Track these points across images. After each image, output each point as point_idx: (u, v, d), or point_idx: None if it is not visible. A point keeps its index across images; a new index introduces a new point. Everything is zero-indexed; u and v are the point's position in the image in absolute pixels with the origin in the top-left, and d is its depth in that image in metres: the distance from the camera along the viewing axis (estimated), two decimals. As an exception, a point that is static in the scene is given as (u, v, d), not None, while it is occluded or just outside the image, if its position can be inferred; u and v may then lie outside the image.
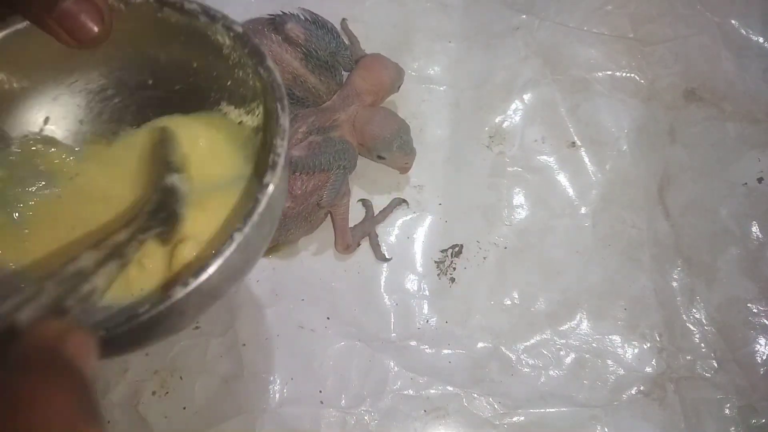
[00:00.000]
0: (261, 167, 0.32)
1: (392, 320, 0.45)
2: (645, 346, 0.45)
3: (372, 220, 0.47)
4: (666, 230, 0.47)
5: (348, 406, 0.43)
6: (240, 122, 0.35)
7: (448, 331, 0.45)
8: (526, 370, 0.44)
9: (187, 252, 0.31)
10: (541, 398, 0.43)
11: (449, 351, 0.44)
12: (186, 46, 0.33)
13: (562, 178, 0.49)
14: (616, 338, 0.45)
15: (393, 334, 0.45)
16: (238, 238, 0.26)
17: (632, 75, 0.51)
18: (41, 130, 0.34)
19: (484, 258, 0.47)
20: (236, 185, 0.33)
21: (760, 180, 0.48)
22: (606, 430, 0.43)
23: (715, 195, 0.48)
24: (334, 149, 0.43)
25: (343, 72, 0.48)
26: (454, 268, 0.46)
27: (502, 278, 0.46)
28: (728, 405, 0.43)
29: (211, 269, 0.26)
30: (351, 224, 0.46)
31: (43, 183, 0.34)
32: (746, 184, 0.48)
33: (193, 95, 0.35)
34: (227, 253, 0.26)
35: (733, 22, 0.51)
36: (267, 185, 0.28)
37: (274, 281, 0.46)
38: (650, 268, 0.46)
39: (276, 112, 0.30)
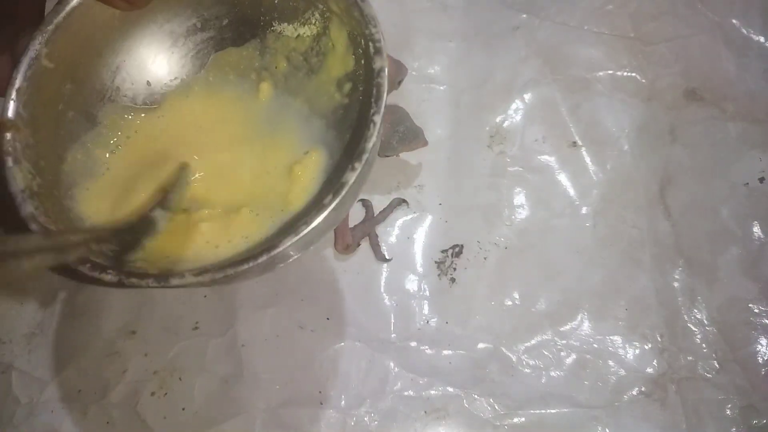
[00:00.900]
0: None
1: (392, 320, 0.45)
2: (646, 347, 0.44)
3: (372, 220, 0.46)
4: (667, 230, 0.47)
5: (348, 407, 0.43)
6: (297, 36, 0.36)
7: (448, 332, 0.45)
8: (526, 370, 0.44)
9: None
10: (542, 399, 0.43)
11: (449, 351, 0.44)
12: None
13: (563, 178, 0.48)
14: (617, 339, 0.45)
15: (393, 335, 0.45)
16: (378, 119, 0.29)
17: (633, 74, 0.51)
18: (116, 101, 0.36)
19: (485, 258, 0.47)
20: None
21: (761, 180, 0.48)
22: (607, 430, 0.43)
23: (716, 195, 0.48)
24: None
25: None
26: (455, 269, 0.46)
27: (502, 278, 0.46)
28: (729, 405, 0.43)
29: (369, 149, 0.29)
30: (351, 224, 0.46)
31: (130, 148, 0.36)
32: (747, 184, 0.48)
33: (244, 25, 0.36)
34: (372, 135, 0.29)
35: (733, 21, 0.51)
36: (381, 69, 0.30)
37: (274, 281, 0.46)
38: (651, 268, 0.46)
39: (356, 3, 0.32)
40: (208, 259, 0.31)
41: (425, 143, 0.46)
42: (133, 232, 0.30)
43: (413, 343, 0.44)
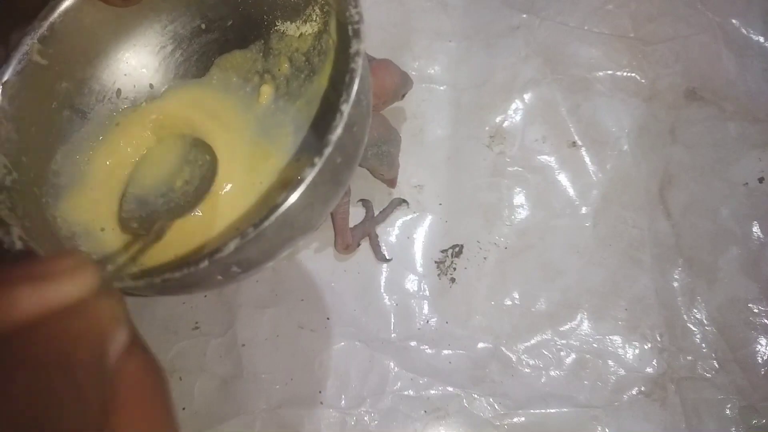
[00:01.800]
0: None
1: (392, 320, 0.45)
2: (646, 347, 0.44)
3: (372, 220, 0.46)
4: (667, 230, 0.47)
5: (348, 407, 0.43)
6: (300, 35, 0.36)
7: (448, 332, 0.45)
8: (526, 370, 0.44)
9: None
10: (542, 399, 0.43)
11: (449, 351, 0.44)
12: None
13: (563, 178, 0.48)
14: (617, 338, 0.45)
15: (393, 335, 0.45)
16: (346, 109, 0.26)
17: (633, 74, 0.51)
18: (116, 103, 0.36)
19: (485, 258, 0.47)
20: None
21: (761, 180, 0.48)
22: (607, 430, 0.43)
23: (716, 195, 0.48)
24: None
25: None
26: (455, 269, 0.46)
27: (502, 278, 0.46)
28: (729, 405, 0.43)
29: (332, 144, 0.26)
30: (351, 224, 0.46)
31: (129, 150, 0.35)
32: (747, 184, 0.48)
33: (247, 26, 0.36)
34: (338, 126, 0.26)
35: (733, 21, 0.51)
36: (357, 53, 0.28)
37: (274, 281, 0.46)
38: (651, 268, 0.46)
39: None
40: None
41: (393, 183, 0.46)
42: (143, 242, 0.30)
43: (413, 343, 0.44)
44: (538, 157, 0.49)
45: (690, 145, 0.49)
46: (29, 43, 0.31)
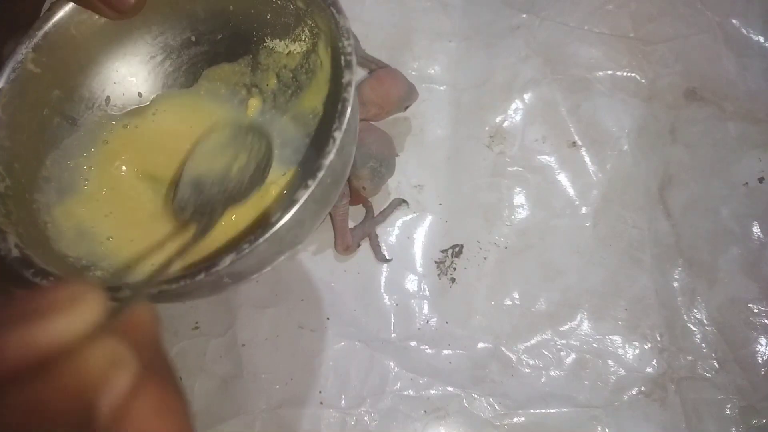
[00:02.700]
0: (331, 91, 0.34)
1: (392, 320, 0.45)
2: (646, 347, 0.44)
3: (372, 220, 0.46)
4: (667, 230, 0.47)
5: (348, 407, 0.43)
6: (288, 52, 0.36)
7: (448, 332, 0.45)
8: (526, 370, 0.44)
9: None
10: (542, 399, 0.43)
11: (449, 351, 0.44)
12: None
13: (563, 178, 0.48)
14: (617, 338, 0.45)
15: (393, 335, 0.45)
16: (338, 136, 0.28)
17: (633, 74, 0.51)
18: (105, 110, 0.36)
19: (485, 258, 0.47)
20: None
21: (761, 180, 0.48)
22: (607, 430, 0.43)
23: (716, 195, 0.48)
24: None
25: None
26: (455, 269, 0.46)
27: (502, 278, 0.46)
28: (729, 405, 0.43)
29: (324, 167, 0.27)
30: (351, 225, 0.46)
31: (117, 162, 0.36)
32: (747, 183, 0.48)
33: (237, 40, 0.37)
34: (331, 152, 0.28)
35: (733, 21, 0.51)
36: (349, 83, 0.29)
37: (274, 281, 0.46)
38: (651, 268, 0.46)
39: (333, 16, 0.31)
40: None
41: (365, 201, 0.46)
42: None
43: (413, 343, 0.44)
44: (538, 157, 0.49)
45: (690, 145, 0.49)
46: (24, 52, 0.31)
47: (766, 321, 0.45)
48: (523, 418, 0.43)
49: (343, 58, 0.30)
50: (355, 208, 0.47)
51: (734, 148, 0.49)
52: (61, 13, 0.31)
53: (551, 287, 0.46)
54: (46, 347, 0.14)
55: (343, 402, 0.43)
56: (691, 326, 0.45)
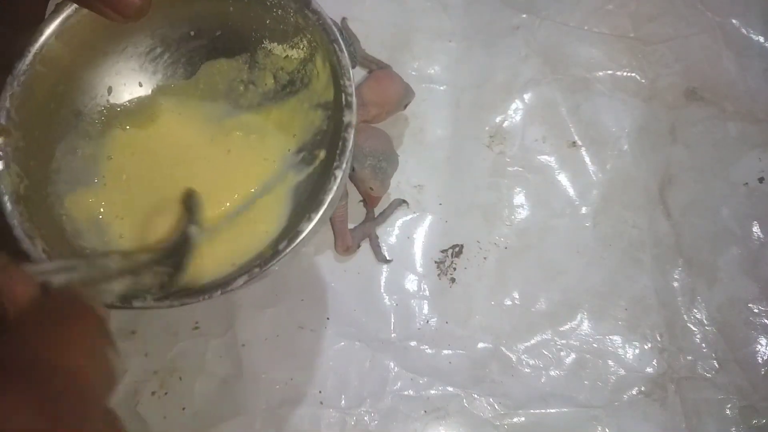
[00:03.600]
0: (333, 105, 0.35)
1: (392, 320, 0.45)
2: (646, 347, 0.44)
3: (372, 221, 0.46)
4: (667, 230, 0.47)
5: (348, 407, 0.43)
6: (286, 56, 0.37)
7: (448, 332, 0.45)
8: (526, 370, 0.44)
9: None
10: (542, 399, 0.43)
11: (449, 351, 0.44)
12: None
13: (563, 178, 0.48)
14: (617, 338, 0.45)
15: (393, 335, 0.45)
16: (339, 174, 0.31)
17: (633, 74, 0.51)
18: (107, 100, 0.37)
19: (485, 258, 0.47)
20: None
21: (761, 180, 0.48)
22: (607, 430, 0.43)
23: (716, 195, 0.48)
24: None
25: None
26: (455, 269, 0.46)
27: (502, 278, 0.46)
28: (729, 405, 0.43)
29: (326, 202, 0.31)
30: (351, 225, 0.46)
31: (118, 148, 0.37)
32: (747, 184, 0.48)
33: (235, 38, 0.38)
34: (332, 189, 0.31)
35: (733, 21, 0.51)
36: (349, 124, 0.31)
37: (274, 281, 0.46)
38: (651, 268, 0.46)
39: (335, 53, 0.33)
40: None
41: (375, 202, 0.46)
42: (177, 251, 0.32)
43: (413, 343, 0.44)
44: (538, 157, 0.49)
45: (690, 145, 0.49)
46: (32, 54, 0.32)
47: (766, 321, 0.45)
48: (523, 418, 0.43)
49: (344, 97, 0.32)
50: (355, 209, 0.47)
51: (734, 148, 0.49)
52: (65, 14, 0.32)
53: (551, 287, 0.46)
54: None
55: (343, 402, 0.43)
56: (691, 326, 0.45)
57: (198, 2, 0.36)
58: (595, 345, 0.45)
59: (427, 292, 0.46)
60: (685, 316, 0.45)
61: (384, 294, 0.45)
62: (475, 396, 0.43)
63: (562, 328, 0.45)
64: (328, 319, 0.45)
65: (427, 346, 0.44)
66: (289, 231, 0.32)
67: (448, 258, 0.46)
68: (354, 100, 0.32)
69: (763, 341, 0.44)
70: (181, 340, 0.44)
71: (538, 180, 0.48)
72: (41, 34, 0.32)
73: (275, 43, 0.37)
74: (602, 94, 0.50)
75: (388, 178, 0.44)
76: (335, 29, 0.33)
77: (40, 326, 0.20)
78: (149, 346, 0.44)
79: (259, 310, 0.45)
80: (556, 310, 0.45)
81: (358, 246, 0.46)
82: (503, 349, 0.44)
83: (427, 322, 0.45)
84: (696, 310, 0.45)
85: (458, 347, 0.44)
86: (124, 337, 0.44)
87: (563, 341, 0.45)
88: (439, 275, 0.46)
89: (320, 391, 0.43)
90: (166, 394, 0.43)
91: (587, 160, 0.49)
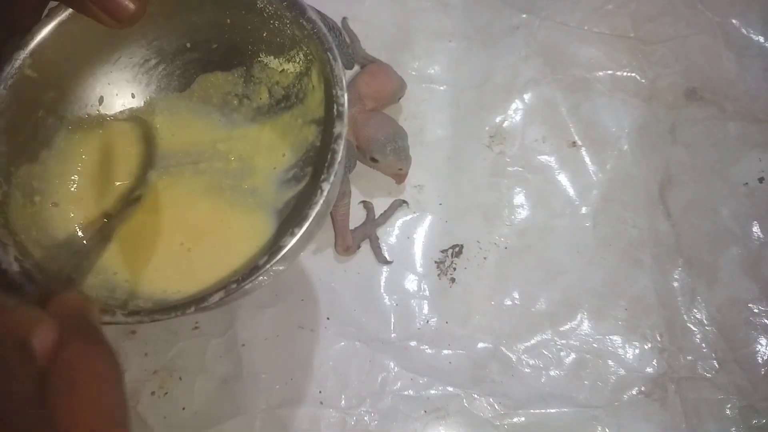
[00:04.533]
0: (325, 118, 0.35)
1: (392, 320, 0.45)
2: (646, 347, 0.44)
3: (373, 222, 0.46)
4: (667, 230, 0.47)
5: (348, 407, 0.43)
6: (282, 70, 0.37)
7: (448, 332, 0.45)
8: (526, 370, 0.44)
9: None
10: (542, 399, 0.43)
11: (449, 351, 0.44)
12: (218, 6, 0.34)
13: (563, 178, 0.48)
14: (617, 338, 0.45)
15: (393, 335, 0.45)
16: (326, 187, 0.30)
17: (633, 74, 0.51)
18: (98, 110, 0.36)
19: (485, 258, 0.47)
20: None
21: (761, 180, 0.48)
22: (607, 430, 0.43)
23: (716, 195, 0.48)
24: None
25: (345, 71, 0.48)
26: (455, 269, 0.46)
27: (502, 278, 0.46)
28: (729, 405, 0.43)
29: (311, 217, 0.29)
30: (352, 226, 0.46)
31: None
32: (747, 184, 0.48)
33: (231, 51, 0.37)
34: (318, 202, 0.30)
35: (733, 21, 0.51)
36: (339, 135, 0.30)
37: (274, 281, 0.46)
38: (651, 268, 0.46)
39: (329, 62, 0.32)
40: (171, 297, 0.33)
41: (404, 177, 0.46)
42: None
43: (413, 343, 0.44)
44: (538, 157, 0.49)
45: (690, 145, 0.49)
46: (21, 57, 0.31)
47: (766, 321, 0.45)
48: (523, 418, 0.43)
49: (335, 107, 0.31)
50: (355, 209, 0.47)
51: (734, 148, 0.49)
52: (59, 19, 0.32)
53: (551, 287, 0.46)
54: None
55: (343, 402, 0.43)
56: (691, 326, 0.45)
57: (195, 14, 0.35)
58: (595, 345, 0.45)
59: (427, 292, 0.46)
60: (685, 316, 0.45)
61: (384, 294, 0.45)
62: (475, 396, 0.43)
63: (562, 328, 0.45)
64: (328, 319, 0.45)
65: (427, 346, 0.44)
66: (271, 246, 0.31)
67: (448, 258, 0.47)
68: (345, 111, 0.31)
69: (763, 341, 0.44)
70: (181, 340, 0.44)
71: (538, 180, 0.48)
72: (33, 38, 0.31)
73: (272, 57, 0.36)
74: (602, 94, 0.50)
75: (408, 151, 0.45)
76: (330, 38, 0.32)
77: (70, 382, 0.19)
78: (149, 346, 0.44)
79: (259, 310, 0.45)
80: (556, 310, 0.45)
81: (359, 247, 0.46)
82: (503, 349, 0.44)
83: (427, 322, 0.45)
84: (696, 310, 0.45)
85: (458, 347, 0.44)
86: (125, 336, 0.44)
87: (563, 341, 0.45)
88: (439, 275, 0.46)
89: (320, 391, 0.43)
90: (166, 394, 0.43)
91: (587, 160, 0.49)
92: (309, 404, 0.43)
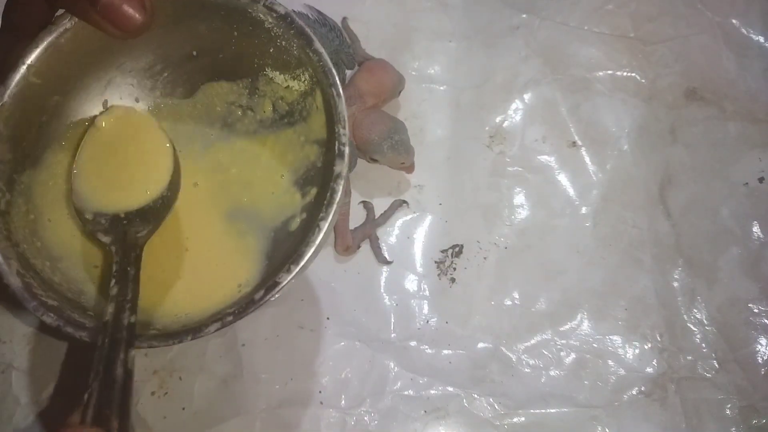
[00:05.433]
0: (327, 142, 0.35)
1: (392, 320, 0.45)
2: (646, 347, 0.44)
3: (373, 222, 0.46)
4: (667, 230, 0.47)
5: (348, 407, 0.43)
6: (287, 86, 0.36)
7: (448, 332, 0.45)
8: (526, 370, 0.44)
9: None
10: (542, 399, 0.43)
11: (449, 351, 0.44)
12: (226, 19, 0.34)
13: (563, 178, 0.48)
14: (617, 338, 0.45)
15: (393, 335, 0.45)
16: (324, 226, 0.30)
17: (633, 74, 0.51)
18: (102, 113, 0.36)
19: (485, 258, 0.47)
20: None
21: (761, 180, 0.48)
22: (607, 430, 0.43)
23: (716, 195, 0.48)
24: None
25: (345, 70, 0.48)
26: (455, 269, 0.46)
27: (502, 278, 0.46)
28: (729, 405, 0.43)
29: (308, 255, 0.30)
30: (352, 226, 0.46)
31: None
32: (747, 183, 0.48)
33: (238, 62, 0.37)
34: (315, 241, 0.30)
35: (733, 21, 0.51)
36: (339, 175, 0.31)
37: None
38: (651, 268, 0.46)
39: (333, 98, 0.32)
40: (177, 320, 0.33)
41: (412, 168, 0.46)
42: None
43: (413, 343, 0.44)
44: (538, 157, 0.49)
45: (690, 145, 0.49)
46: (26, 65, 0.31)
47: (766, 321, 0.45)
48: (523, 418, 0.43)
49: (337, 146, 0.31)
50: (355, 209, 0.47)
51: (734, 148, 0.49)
52: (64, 26, 0.31)
53: (551, 287, 0.46)
54: None
55: (343, 402, 0.43)
56: (691, 326, 0.45)
57: (203, 23, 0.34)
58: (595, 345, 0.45)
59: (427, 292, 0.46)
60: (685, 316, 0.45)
61: (384, 294, 0.45)
62: (475, 396, 0.43)
63: (562, 328, 0.45)
64: (328, 319, 0.45)
65: (427, 346, 0.44)
66: (267, 279, 0.31)
67: (448, 258, 0.47)
68: (347, 150, 0.31)
69: (763, 341, 0.44)
70: (181, 340, 0.44)
71: (538, 180, 0.48)
72: (37, 45, 0.31)
73: (277, 72, 0.36)
74: (602, 94, 0.50)
75: (408, 143, 0.45)
76: (335, 73, 0.32)
77: None
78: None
79: (259, 310, 0.45)
80: (556, 310, 0.45)
81: (359, 246, 0.46)
82: (503, 349, 0.44)
83: (427, 322, 0.45)
84: (696, 310, 0.45)
85: (458, 347, 0.44)
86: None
87: (563, 341, 0.45)
88: (439, 275, 0.46)
89: (320, 391, 0.43)
90: (166, 394, 0.43)
91: (587, 160, 0.49)
92: (309, 404, 0.43)
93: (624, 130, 0.49)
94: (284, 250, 0.34)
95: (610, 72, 0.51)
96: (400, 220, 0.47)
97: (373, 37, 0.51)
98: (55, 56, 0.32)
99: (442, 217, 0.47)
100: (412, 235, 0.47)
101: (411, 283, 0.46)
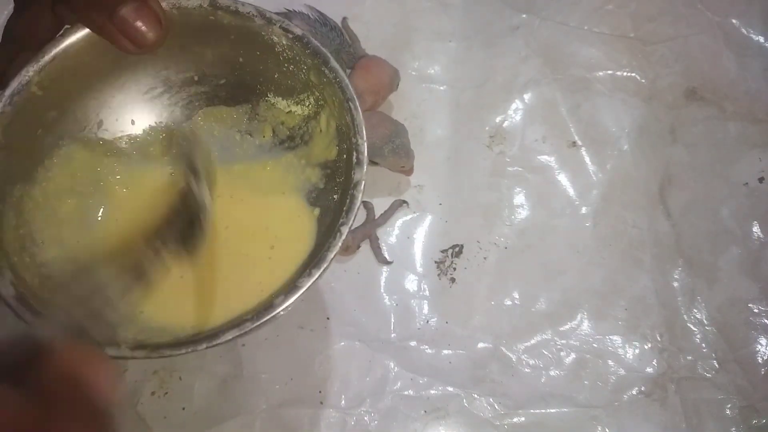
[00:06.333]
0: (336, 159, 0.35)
1: (392, 320, 0.45)
2: (646, 347, 0.44)
3: (373, 222, 0.46)
4: (667, 230, 0.47)
5: (348, 407, 0.43)
6: (289, 111, 0.37)
7: (448, 332, 0.45)
8: (526, 370, 0.44)
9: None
10: (542, 399, 0.43)
11: (449, 351, 0.44)
12: (235, 44, 0.34)
13: (563, 178, 0.48)
14: (617, 338, 0.45)
15: (393, 335, 0.45)
16: (345, 230, 0.31)
17: (633, 74, 0.51)
18: (95, 134, 0.36)
19: (485, 258, 0.47)
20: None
21: (761, 180, 0.48)
22: (607, 430, 0.43)
23: (716, 195, 0.48)
24: None
25: (346, 70, 0.48)
26: (455, 269, 0.46)
27: (502, 278, 0.46)
28: (729, 405, 0.43)
29: (329, 259, 0.30)
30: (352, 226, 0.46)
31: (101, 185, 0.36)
32: (747, 183, 0.48)
33: (239, 88, 0.37)
34: (336, 245, 0.31)
35: (733, 21, 0.51)
36: (359, 182, 0.31)
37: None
38: (651, 268, 0.46)
39: (350, 111, 0.32)
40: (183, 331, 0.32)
41: (411, 171, 0.46)
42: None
43: (413, 343, 0.44)
44: (538, 157, 0.49)
45: (690, 144, 0.49)
46: (30, 74, 0.31)
47: (766, 321, 0.45)
48: (523, 418, 0.43)
49: (355, 155, 0.31)
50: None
51: (734, 148, 0.49)
52: (72, 39, 0.31)
53: (551, 287, 0.46)
54: None
55: (343, 402, 0.43)
56: (691, 326, 0.45)
57: (210, 48, 0.34)
58: (595, 345, 0.45)
59: (427, 292, 0.46)
60: (685, 316, 0.45)
61: (384, 294, 0.45)
62: (475, 396, 0.43)
63: (562, 328, 0.45)
64: (328, 319, 0.45)
65: (427, 346, 0.44)
66: (287, 284, 0.31)
67: (448, 258, 0.47)
68: (365, 158, 0.31)
69: (763, 341, 0.44)
70: (181, 340, 0.44)
71: (538, 180, 0.48)
72: (44, 55, 0.31)
73: (279, 98, 0.36)
74: (602, 94, 0.50)
75: (408, 147, 0.45)
76: (351, 89, 0.32)
77: None
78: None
79: (259, 310, 0.45)
80: (556, 310, 0.45)
81: (359, 246, 0.46)
82: (503, 349, 0.44)
83: (427, 322, 0.45)
84: (696, 310, 0.45)
85: (458, 347, 0.44)
86: (124, 337, 0.44)
87: (563, 341, 0.45)
88: (439, 275, 0.46)
89: (320, 391, 0.43)
90: (166, 394, 0.43)
91: (587, 160, 0.49)
92: (309, 404, 0.43)
93: (624, 130, 0.49)
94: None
95: (610, 72, 0.51)
96: (400, 220, 0.47)
97: (373, 37, 0.51)
98: (59, 70, 0.31)
99: (442, 217, 0.47)
100: (412, 235, 0.47)
101: (411, 283, 0.46)
